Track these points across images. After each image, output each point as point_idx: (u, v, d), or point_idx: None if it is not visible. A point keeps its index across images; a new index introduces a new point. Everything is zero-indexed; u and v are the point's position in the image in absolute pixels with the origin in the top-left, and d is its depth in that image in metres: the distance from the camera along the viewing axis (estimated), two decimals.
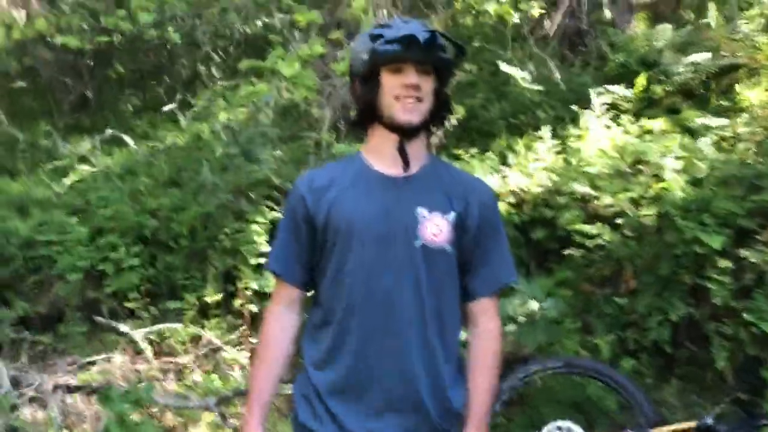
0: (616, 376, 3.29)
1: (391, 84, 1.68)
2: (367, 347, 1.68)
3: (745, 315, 3.19)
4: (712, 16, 5.87)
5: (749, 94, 4.86)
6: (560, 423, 3.20)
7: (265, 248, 4.39)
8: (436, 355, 1.70)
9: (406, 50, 1.65)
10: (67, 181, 6.63)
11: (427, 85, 1.70)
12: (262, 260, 4.37)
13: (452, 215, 1.72)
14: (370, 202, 1.71)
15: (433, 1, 5.34)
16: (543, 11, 6.43)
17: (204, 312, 4.55)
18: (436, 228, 1.70)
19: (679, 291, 3.50)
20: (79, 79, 9.08)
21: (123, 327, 4.20)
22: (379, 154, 1.75)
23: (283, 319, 1.78)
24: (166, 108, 7.24)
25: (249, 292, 4.56)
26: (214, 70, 7.59)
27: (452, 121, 4.29)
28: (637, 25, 6.58)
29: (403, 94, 1.67)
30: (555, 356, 3.52)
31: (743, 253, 3.33)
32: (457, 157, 4.85)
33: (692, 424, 2.93)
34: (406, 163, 1.72)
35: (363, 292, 1.68)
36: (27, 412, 3.36)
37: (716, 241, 3.36)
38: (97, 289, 4.76)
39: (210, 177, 4.38)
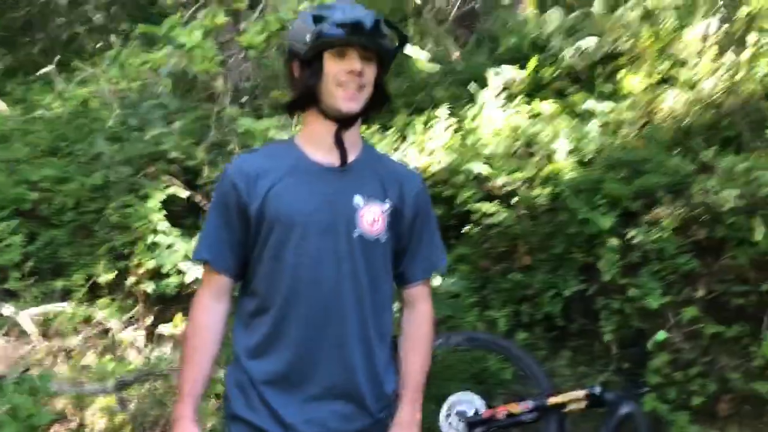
0: (513, 349, 3.46)
1: (334, 70, 1.63)
2: (307, 336, 1.67)
3: (630, 291, 3.44)
4: (598, 2, 6.19)
5: (631, 80, 5.17)
6: (461, 395, 3.33)
7: (162, 225, 4.22)
8: (372, 344, 1.72)
9: (352, 35, 1.61)
10: None
11: (370, 72, 1.66)
12: (159, 238, 4.20)
13: (388, 205, 1.72)
14: (311, 193, 1.68)
15: None
16: None
17: (94, 291, 4.33)
18: (372, 218, 1.70)
19: (571, 268, 3.72)
20: None
21: (5, 309, 3.91)
22: (317, 143, 1.71)
23: (213, 308, 1.73)
24: (42, 71, 6.74)
25: (142, 271, 4.40)
26: (95, 32, 7.16)
27: None
28: (528, 8, 6.81)
29: (347, 81, 1.63)
30: (456, 331, 3.65)
31: (630, 232, 3.57)
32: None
33: (582, 392, 3.13)
34: (343, 157, 1.70)
35: (304, 281, 1.66)
36: None
37: (606, 222, 3.59)
38: None
39: (105, 147, 4.12)
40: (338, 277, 1.67)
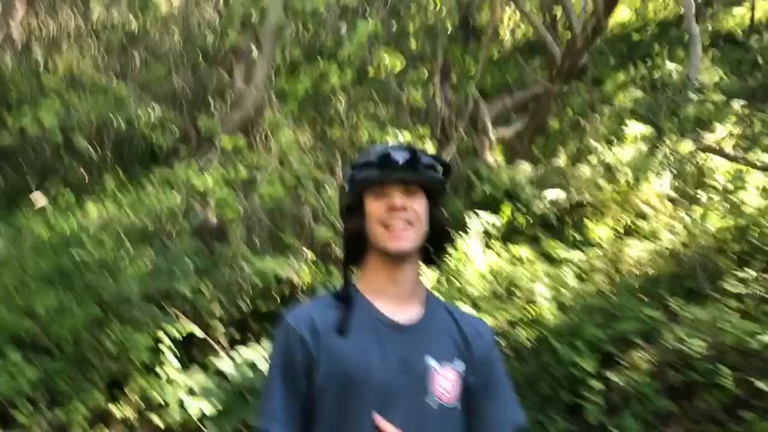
0: None
1: (375, 209, 1.60)
2: None
3: (614, 431, 3.73)
4: (562, 157, 6.86)
5: (597, 230, 5.71)
6: None
7: (171, 358, 4.39)
8: None
9: (384, 170, 1.59)
10: None
11: (417, 206, 1.61)
12: (164, 371, 4.36)
13: (460, 365, 1.63)
14: (381, 353, 1.58)
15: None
16: None
17: (92, 421, 4.40)
18: (446, 382, 1.60)
19: (558, 408, 4.00)
20: None
21: None
22: (379, 291, 1.63)
23: None
24: (38, 204, 6.99)
25: (139, 402, 4.50)
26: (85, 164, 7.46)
27: None
28: (496, 157, 7.45)
29: (389, 219, 1.58)
30: None
31: (610, 375, 3.91)
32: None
33: None
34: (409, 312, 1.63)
35: None
36: None
37: (589, 364, 3.92)
38: None
39: (134, 284, 4.35)
40: None
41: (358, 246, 1.65)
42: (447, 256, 5.21)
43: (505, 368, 1.77)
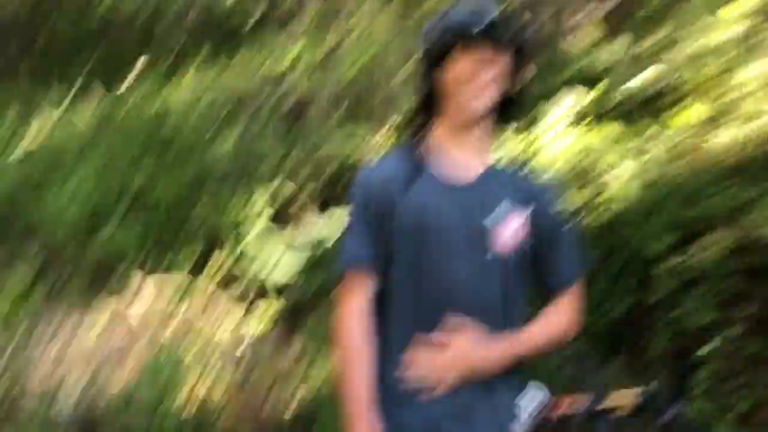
0: (569, 351, 3.80)
1: (462, 64, 1.60)
2: None
3: (682, 308, 3.75)
4: (664, 33, 6.47)
5: (692, 111, 5.45)
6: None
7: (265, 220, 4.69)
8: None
9: (479, 27, 1.58)
10: (26, 141, 6.64)
11: (498, 68, 1.63)
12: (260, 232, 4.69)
13: (526, 216, 1.69)
14: (446, 208, 1.64)
15: None
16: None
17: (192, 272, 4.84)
18: (507, 234, 1.67)
19: (627, 283, 4.04)
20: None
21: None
22: (448, 150, 1.68)
23: (366, 315, 1.65)
24: (131, 76, 7.28)
25: (232, 258, 4.89)
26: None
27: None
28: (593, 33, 7.11)
29: (473, 78, 1.60)
30: None
31: (684, 255, 3.89)
32: None
33: (632, 396, 3.45)
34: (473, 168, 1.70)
35: (441, 302, 1.63)
36: None
37: (665, 243, 3.91)
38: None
39: (223, 157, 4.62)
40: (475, 297, 1.65)
41: (432, 104, 1.68)
42: (520, 124, 5.15)
43: (568, 221, 1.84)
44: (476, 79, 1.60)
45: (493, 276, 1.66)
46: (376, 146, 4.59)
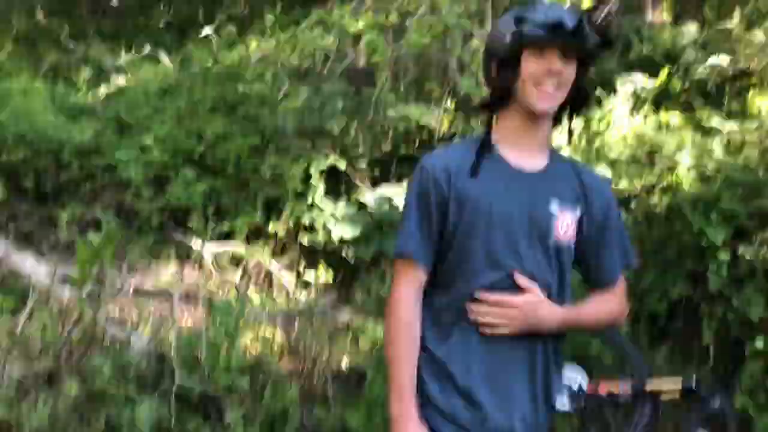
0: (616, 336, 3.87)
1: (533, 68, 1.68)
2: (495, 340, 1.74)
3: (734, 301, 3.78)
4: (735, 21, 6.32)
5: (760, 102, 5.36)
6: (568, 368, 3.76)
7: (320, 189, 4.84)
8: (549, 354, 1.78)
9: (552, 34, 1.64)
10: (103, 90, 6.91)
11: (570, 71, 1.69)
12: (314, 199, 4.84)
13: (578, 210, 1.77)
14: (509, 196, 1.73)
15: None
16: None
17: (250, 235, 5.03)
18: (566, 225, 1.75)
19: (680, 273, 4.08)
20: None
21: (194, 243, 4.65)
22: (513, 143, 1.77)
23: (416, 305, 1.75)
24: (205, 32, 7.47)
25: (290, 223, 5.05)
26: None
27: None
28: (662, 16, 6.99)
29: (545, 80, 1.67)
30: None
31: (741, 249, 3.90)
32: None
33: (679, 383, 3.51)
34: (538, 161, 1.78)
35: (498, 288, 1.71)
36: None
37: (719, 236, 3.92)
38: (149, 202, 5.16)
39: (290, 121, 4.76)
40: (535, 280, 1.73)
41: (504, 97, 1.74)
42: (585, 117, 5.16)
43: (620, 216, 1.92)
44: (545, 84, 1.68)
45: (552, 262, 1.75)
46: (435, 122, 4.66)
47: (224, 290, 4.49)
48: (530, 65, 1.68)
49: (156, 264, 4.71)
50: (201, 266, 4.72)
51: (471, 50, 4.38)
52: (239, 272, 4.73)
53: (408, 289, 1.75)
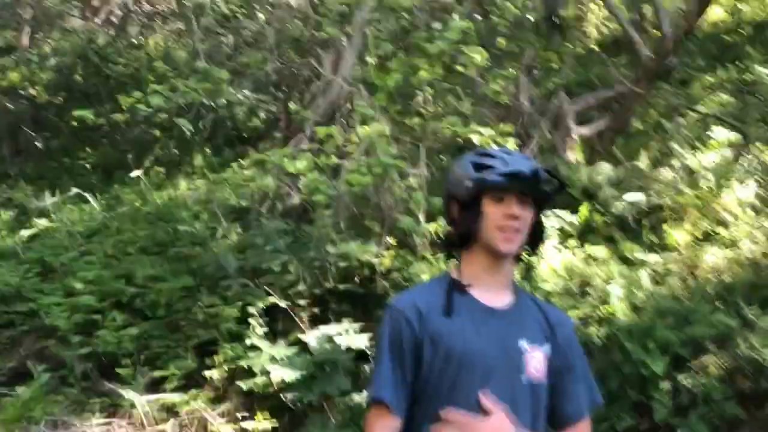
0: None
1: (494, 214, 1.75)
2: None
3: (680, 431, 3.81)
4: (643, 159, 6.84)
5: (675, 234, 5.71)
6: None
7: (259, 330, 4.71)
8: None
9: (512, 182, 1.73)
10: (26, 233, 6.70)
11: (527, 215, 1.76)
12: (252, 341, 4.68)
13: (547, 348, 1.79)
14: (480, 334, 1.74)
15: None
16: None
17: (183, 381, 4.77)
18: (537, 363, 1.76)
19: (624, 404, 4.10)
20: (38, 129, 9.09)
21: (126, 393, 4.36)
22: (479, 281, 1.79)
23: None
24: (134, 173, 7.46)
25: (226, 367, 4.84)
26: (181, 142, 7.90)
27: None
28: (575, 156, 7.48)
29: (506, 225, 1.74)
30: None
31: (680, 377, 3.99)
32: None
33: None
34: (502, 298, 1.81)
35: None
36: None
37: (659, 366, 4.01)
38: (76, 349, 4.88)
39: (233, 260, 4.69)
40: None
41: (467, 238, 1.81)
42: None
43: (583, 354, 1.93)
44: (507, 229, 1.75)
45: (525, 399, 1.75)
46: (376, 260, 4.70)
47: None
48: (491, 210, 1.76)
49: (81, 418, 4.36)
50: (131, 418, 4.40)
51: (407, 190, 4.53)
52: (173, 423, 4.43)
53: None
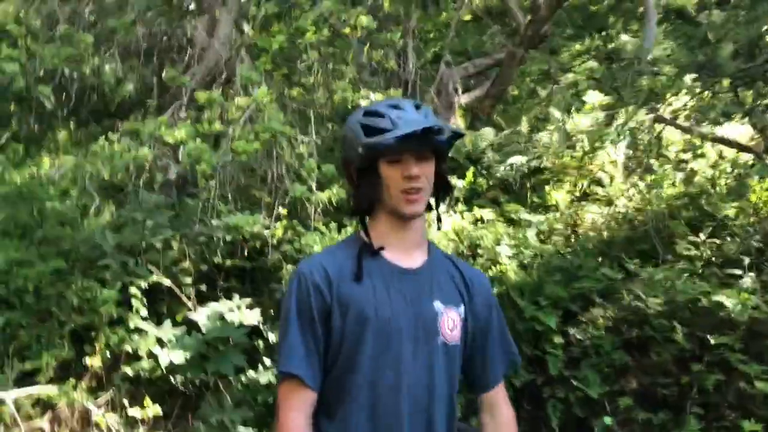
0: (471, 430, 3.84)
1: (392, 177, 1.65)
2: None
3: (574, 382, 3.94)
4: (524, 124, 7.02)
5: (556, 194, 5.91)
6: None
7: (143, 311, 4.40)
8: None
9: (406, 144, 1.61)
10: None
11: (428, 170, 1.67)
12: (135, 324, 4.37)
13: (462, 309, 1.72)
14: (392, 297, 1.66)
15: None
16: None
17: (59, 372, 4.39)
18: (452, 323, 1.69)
19: (523, 357, 4.18)
20: None
21: None
22: (389, 244, 1.70)
23: (307, 429, 1.63)
24: None
25: (107, 353, 4.51)
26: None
27: None
28: (456, 122, 7.57)
29: (407, 187, 1.64)
30: None
31: (571, 331, 4.12)
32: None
33: None
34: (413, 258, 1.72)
35: (384, 390, 1.63)
36: None
37: (551, 321, 4.12)
38: None
39: (109, 237, 4.30)
40: (420, 385, 1.65)
41: (370, 203, 1.72)
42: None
43: (500, 309, 1.88)
44: (410, 191, 1.65)
45: (440, 362, 1.69)
46: (268, 231, 4.51)
47: None
48: (388, 173, 1.66)
49: None
50: (0, 417, 3.99)
51: (297, 157, 4.35)
52: (49, 417, 4.06)
53: (297, 414, 1.62)
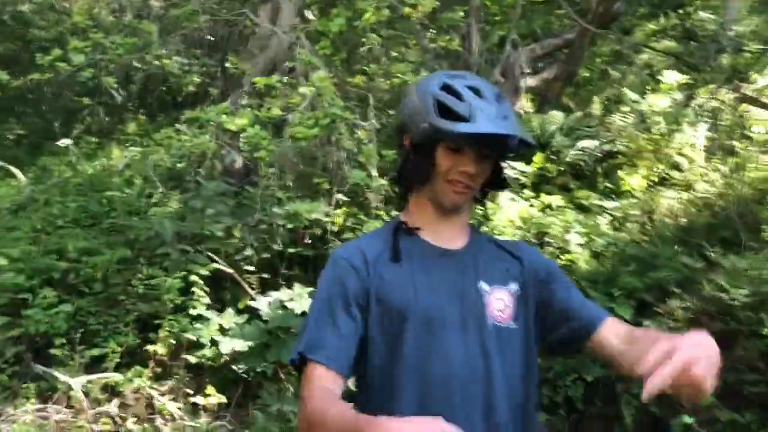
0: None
1: (447, 165, 1.54)
2: None
3: None
4: (596, 106, 6.72)
5: (631, 179, 5.61)
6: None
7: (204, 299, 4.40)
8: None
9: (473, 139, 1.49)
10: None
11: (486, 169, 1.57)
12: (198, 311, 4.38)
13: (514, 287, 1.58)
14: (434, 282, 1.55)
15: None
16: None
17: (125, 359, 4.45)
18: (501, 304, 1.56)
19: None
20: None
21: (62, 376, 4.01)
22: (428, 224, 1.61)
23: (328, 391, 1.48)
24: (62, 142, 6.98)
25: (171, 341, 4.53)
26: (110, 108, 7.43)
27: None
28: (525, 106, 7.32)
29: (457, 180, 1.54)
30: None
31: (646, 323, 3.87)
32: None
33: None
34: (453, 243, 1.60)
35: (434, 381, 1.49)
36: None
37: (626, 312, 3.89)
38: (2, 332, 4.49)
39: (168, 226, 4.32)
40: (474, 374, 1.50)
41: (416, 181, 1.60)
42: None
43: (564, 275, 1.68)
44: (458, 185, 1.55)
45: (493, 345, 1.53)
46: (326, 219, 4.44)
47: (99, 425, 3.85)
48: (445, 161, 1.54)
49: (14, 404, 4.00)
50: (69, 401, 4.06)
51: (357, 143, 4.25)
52: (115, 403, 4.11)
53: (320, 385, 1.47)
